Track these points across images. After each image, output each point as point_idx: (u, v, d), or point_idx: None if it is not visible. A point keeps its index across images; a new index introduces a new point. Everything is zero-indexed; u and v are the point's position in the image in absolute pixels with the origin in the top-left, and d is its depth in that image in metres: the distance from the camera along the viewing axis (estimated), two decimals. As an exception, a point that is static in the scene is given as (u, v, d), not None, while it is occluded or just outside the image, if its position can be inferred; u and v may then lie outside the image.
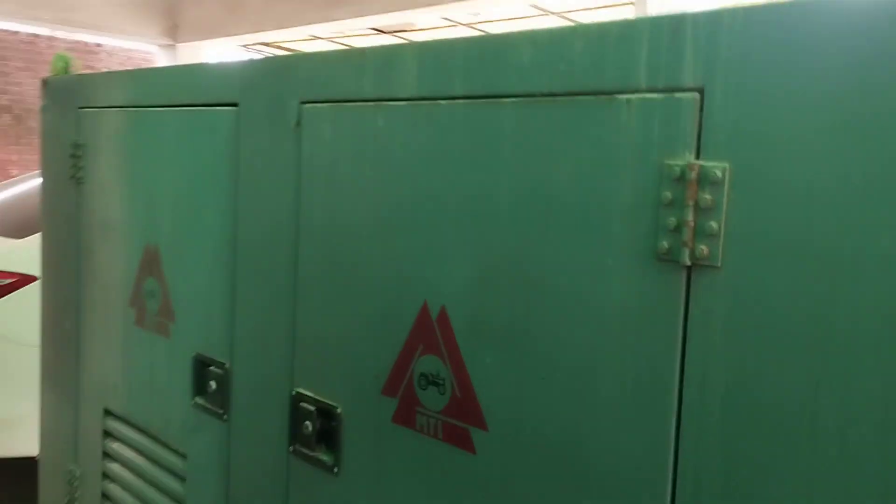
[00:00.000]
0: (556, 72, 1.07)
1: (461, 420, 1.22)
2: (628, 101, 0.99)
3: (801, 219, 0.86)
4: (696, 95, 0.93)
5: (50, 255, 2.36)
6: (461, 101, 1.20)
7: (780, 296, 0.87)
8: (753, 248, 0.90)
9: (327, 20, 7.55)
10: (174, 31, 9.09)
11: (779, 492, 0.87)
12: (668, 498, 0.96)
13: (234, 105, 1.63)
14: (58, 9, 8.31)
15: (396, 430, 1.32)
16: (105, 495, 2.13)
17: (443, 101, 1.23)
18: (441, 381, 1.25)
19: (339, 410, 1.43)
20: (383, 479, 1.36)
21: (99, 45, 10.50)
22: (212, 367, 1.72)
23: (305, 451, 1.49)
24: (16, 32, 9.71)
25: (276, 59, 1.56)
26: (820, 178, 0.85)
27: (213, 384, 1.73)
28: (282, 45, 9.92)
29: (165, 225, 1.88)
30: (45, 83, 2.32)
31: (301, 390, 1.50)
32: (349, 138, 1.39)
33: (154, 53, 9.77)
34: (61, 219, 2.26)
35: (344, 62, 1.41)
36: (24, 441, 3.14)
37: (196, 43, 9.10)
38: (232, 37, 8.71)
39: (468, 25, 8.24)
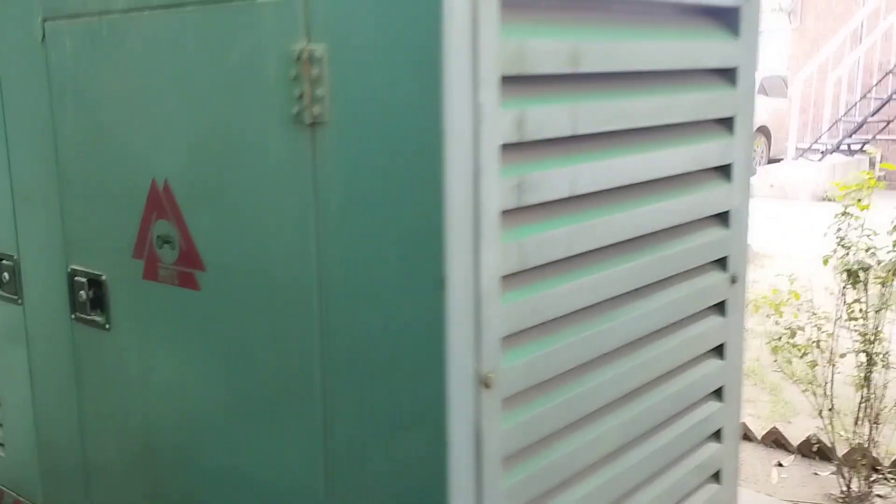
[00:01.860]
0: (215, -17, 1.38)
1: (188, 266, 1.55)
2: (261, 3, 1.32)
3: (377, 86, 1.21)
4: (302, -4, 1.26)
5: None
6: (159, 10, 1.49)
7: (360, 136, 1.23)
8: (355, 108, 1.25)
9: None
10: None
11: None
12: (316, 280, 1.33)
13: (-9, 25, 1.86)
14: None
15: (146, 284, 1.65)
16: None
17: (146, 12, 1.52)
18: (172, 239, 1.57)
19: (104, 278, 1.74)
20: (142, 324, 1.69)
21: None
22: (4, 261, 1.99)
23: (83, 315, 1.80)
24: None
25: (19, -16, 1.80)
26: (388, 54, 1.20)
27: (6, 275, 2.00)
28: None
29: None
30: None
31: (74, 266, 1.80)
32: (84, 47, 1.66)
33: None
34: None
35: (73, -16, 1.67)
36: None
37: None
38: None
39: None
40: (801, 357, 3.29)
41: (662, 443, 1.71)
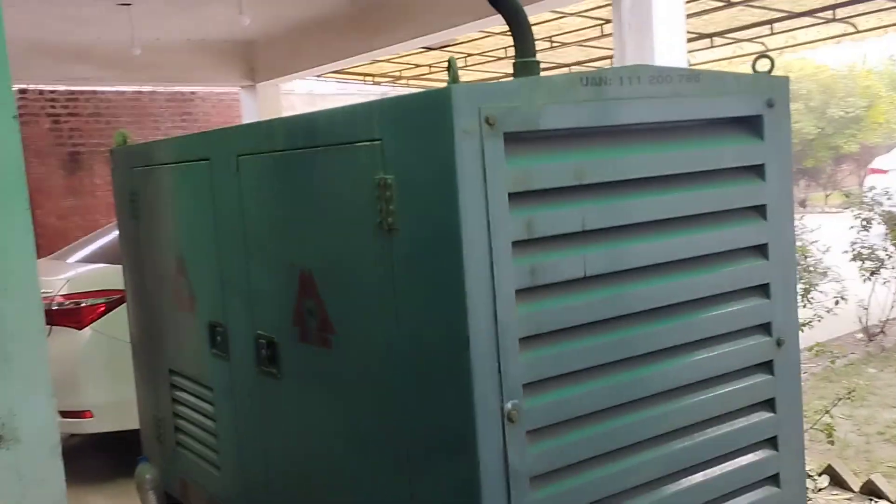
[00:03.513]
0: (332, 132, 1.96)
1: (324, 332, 2.12)
2: (358, 146, 1.87)
3: (423, 203, 1.72)
4: (380, 143, 1.80)
5: (128, 270, 3.40)
6: (300, 150, 2.10)
7: (417, 239, 1.74)
8: (411, 218, 1.76)
9: (373, 49, 8.57)
10: (252, 74, 10.33)
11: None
12: (395, 342, 1.83)
13: (208, 160, 2.58)
14: (153, 69, 9.65)
15: (300, 345, 2.23)
16: (176, 427, 3.14)
17: (297, 150, 2.13)
18: (314, 312, 2.15)
19: (276, 340, 2.35)
20: (298, 374, 2.27)
21: (193, 92, 11.91)
22: (218, 328, 2.68)
23: (265, 368, 2.42)
24: (122, 92, 11.21)
25: (223, 130, 2.51)
26: (427, 181, 1.70)
27: (219, 338, 2.69)
28: (347, 70, 11.00)
29: (184, 243, 2.87)
30: (111, 152, 3.36)
31: (258, 331, 2.43)
32: (261, 174, 2.32)
33: (239, 93, 11.03)
34: (129, 245, 3.29)
35: (254, 130, 2.34)
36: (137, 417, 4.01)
37: (272, 81, 10.29)
38: (300, 72, 9.85)
39: (501, 34, 9.05)
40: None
41: (709, 478, 2.01)
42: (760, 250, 2.07)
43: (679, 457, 1.96)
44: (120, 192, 3.32)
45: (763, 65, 2.10)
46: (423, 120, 1.68)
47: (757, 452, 2.10)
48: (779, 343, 2.11)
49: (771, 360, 2.10)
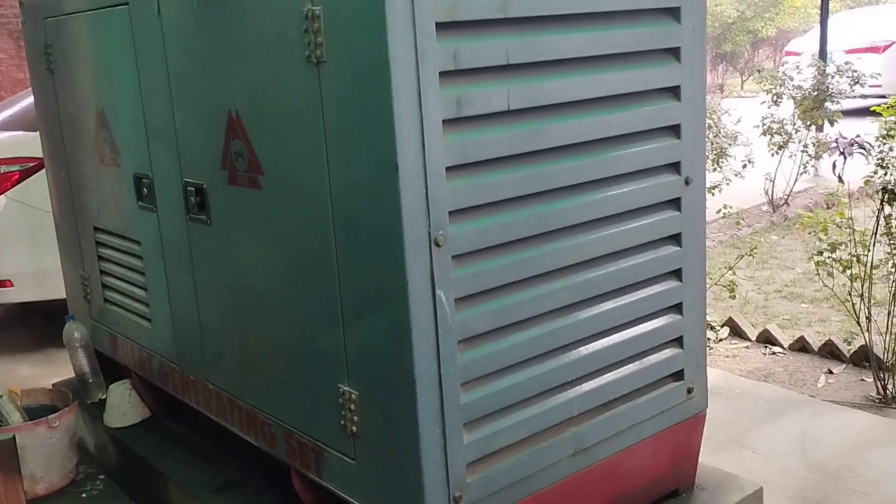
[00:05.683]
0: (257, -34, 1.95)
1: (253, 172, 2.15)
2: (285, -21, 1.88)
3: (351, 34, 1.75)
4: (307, -27, 1.81)
5: (44, 128, 3.33)
6: (226, -12, 2.09)
7: (344, 69, 1.77)
8: (340, 49, 1.79)
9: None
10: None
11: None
12: (326, 174, 1.89)
13: (126, 3, 2.53)
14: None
15: (229, 188, 2.27)
16: (104, 284, 3.16)
17: (220, -11, 2.11)
18: (243, 153, 2.18)
19: (204, 186, 2.38)
20: (228, 218, 2.32)
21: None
22: (144, 180, 2.69)
23: (194, 215, 2.45)
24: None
25: (142, -28, 2.45)
26: (355, 11, 1.72)
27: (145, 190, 2.69)
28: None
29: (104, 94, 2.82)
30: (21, 4, 3.23)
31: (187, 179, 2.45)
32: (185, 14, 2.29)
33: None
34: (45, 100, 3.21)
35: (176, -30, 2.29)
36: (59, 286, 3.74)
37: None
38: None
39: None
40: (843, 271, 3.56)
41: (619, 305, 2.16)
42: (674, 92, 2.17)
43: (592, 285, 2.10)
44: (32, 45, 3.22)
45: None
46: (351, -53, 1.69)
47: (663, 283, 2.26)
48: (687, 181, 2.24)
49: (679, 198, 2.24)
